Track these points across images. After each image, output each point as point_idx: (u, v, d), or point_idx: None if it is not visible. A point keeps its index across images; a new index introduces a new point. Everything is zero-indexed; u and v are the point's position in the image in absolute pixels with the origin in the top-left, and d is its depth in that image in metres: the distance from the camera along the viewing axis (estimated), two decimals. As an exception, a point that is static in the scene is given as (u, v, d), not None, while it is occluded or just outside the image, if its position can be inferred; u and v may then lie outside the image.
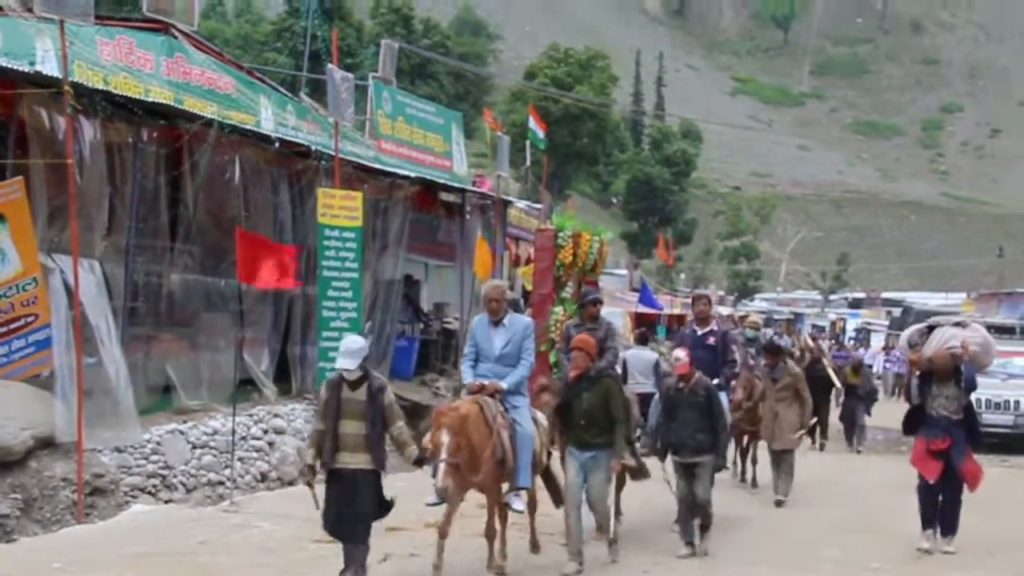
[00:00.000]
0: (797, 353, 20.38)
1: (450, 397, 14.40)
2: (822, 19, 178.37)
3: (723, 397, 10.46)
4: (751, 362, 13.37)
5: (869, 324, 50.04)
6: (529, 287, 20.01)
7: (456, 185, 18.57)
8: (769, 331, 22.34)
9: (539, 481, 8.71)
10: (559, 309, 15.52)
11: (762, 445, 13.10)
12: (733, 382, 11.49)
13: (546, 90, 56.02)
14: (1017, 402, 18.67)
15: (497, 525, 8.09)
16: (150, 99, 11.68)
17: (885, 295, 70.35)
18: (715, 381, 10.08)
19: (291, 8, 50.40)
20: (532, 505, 8.49)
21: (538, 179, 33.71)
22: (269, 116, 15.12)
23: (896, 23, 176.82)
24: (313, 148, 13.53)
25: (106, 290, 10.56)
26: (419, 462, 7.38)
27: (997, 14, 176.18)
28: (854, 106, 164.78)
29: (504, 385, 8.01)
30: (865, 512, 11.87)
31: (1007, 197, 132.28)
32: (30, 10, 11.19)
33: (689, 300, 12.63)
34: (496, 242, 18.51)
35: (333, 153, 13.40)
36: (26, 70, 10.10)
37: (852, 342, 36.90)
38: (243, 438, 11.53)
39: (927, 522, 9.58)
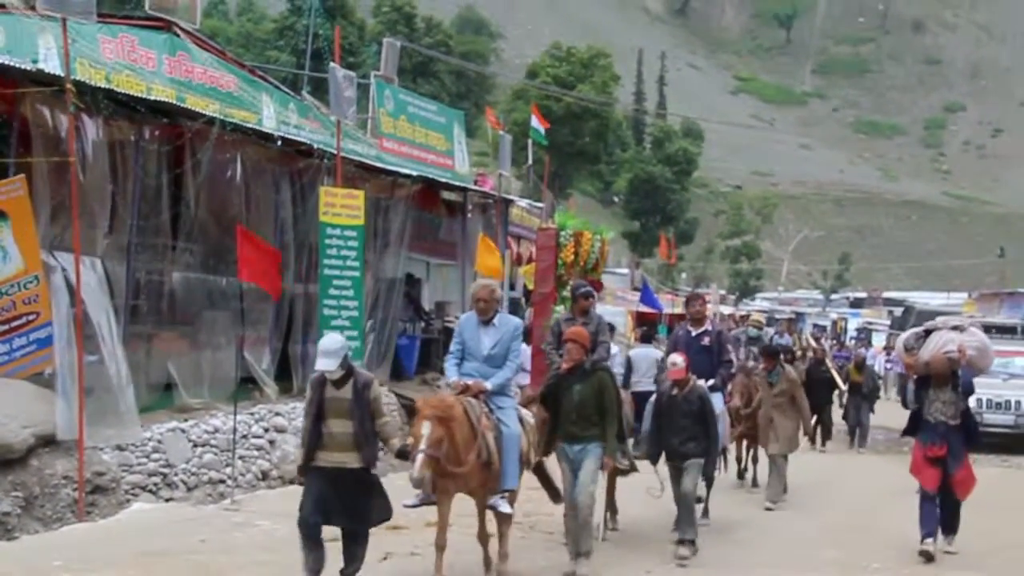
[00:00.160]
0: (799, 352, 20.43)
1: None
2: (824, 18, 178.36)
3: (719, 398, 10.42)
4: (751, 363, 13.32)
5: (870, 324, 49.91)
6: (531, 286, 20.03)
7: (458, 184, 18.55)
8: (771, 330, 22.31)
9: (535, 480, 8.62)
10: (561, 308, 15.53)
11: (762, 445, 13.10)
12: (729, 384, 11.40)
13: (548, 89, 55.92)
14: (1018, 402, 18.61)
15: (493, 527, 7.94)
16: (152, 97, 11.65)
17: (887, 295, 70.22)
18: (711, 382, 10.04)
19: (293, 6, 50.50)
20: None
21: (540, 178, 33.69)
22: (271, 114, 15.12)
23: (898, 23, 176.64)
24: (315, 146, 13.52)
25: (108, 288, 10.56)
26: (402, 455, 7.29)
27: (999, 14, 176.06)
28: (856, 105, 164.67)
29: (488, 386, 7.79)
30: (865, 512, 11.87)
31: (1009, 197, 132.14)
32: (33, 8, 11.22)
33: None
34: (498, 241, 18.48)
35: (335, 151, 13.39)
36: (28, 68, 10.09)
37: (853, 342, 36.86)
38: (244, 436, 11.51)
39: (928, 532, 9.37)
